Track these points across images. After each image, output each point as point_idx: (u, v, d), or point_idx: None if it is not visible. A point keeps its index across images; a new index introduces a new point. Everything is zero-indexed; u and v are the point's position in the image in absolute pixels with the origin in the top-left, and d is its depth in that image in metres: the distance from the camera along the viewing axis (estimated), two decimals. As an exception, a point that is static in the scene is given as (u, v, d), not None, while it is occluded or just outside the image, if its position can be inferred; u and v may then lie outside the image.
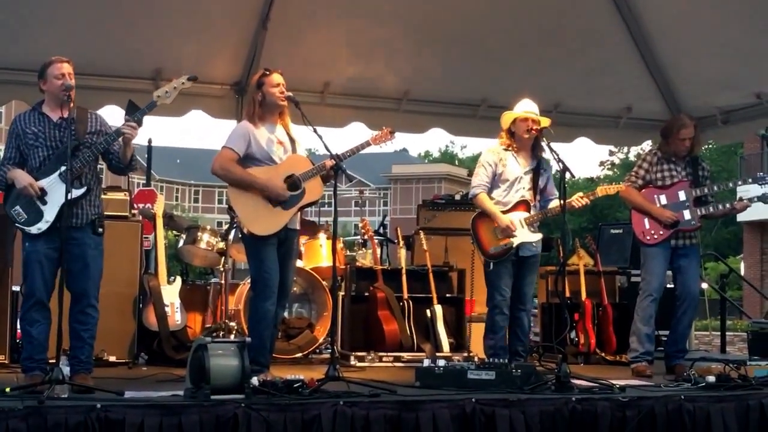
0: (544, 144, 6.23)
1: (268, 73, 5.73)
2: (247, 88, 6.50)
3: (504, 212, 6.30)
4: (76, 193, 5.12)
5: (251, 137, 5.64)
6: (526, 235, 6.30)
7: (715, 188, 6.77)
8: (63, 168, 5.08)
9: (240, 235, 6.33)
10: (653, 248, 6.62)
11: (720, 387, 5.43)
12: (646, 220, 6.65)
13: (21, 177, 5.15)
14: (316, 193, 5.75)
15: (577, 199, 6.27)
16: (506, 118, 6.44)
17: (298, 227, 5.86)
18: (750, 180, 6.76)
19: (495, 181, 6.38)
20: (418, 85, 8.48)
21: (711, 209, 6.62)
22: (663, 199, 6.66)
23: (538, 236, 6.38)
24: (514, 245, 6.26)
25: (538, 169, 6.43)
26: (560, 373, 5.28)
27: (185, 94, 7.21)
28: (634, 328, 6.65)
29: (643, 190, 6.72)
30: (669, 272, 6.83)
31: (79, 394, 4.70)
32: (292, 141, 5.81)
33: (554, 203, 6.37)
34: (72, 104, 5.18)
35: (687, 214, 6.59)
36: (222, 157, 5.63)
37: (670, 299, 6.75)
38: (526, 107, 6.39)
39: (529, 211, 6.34)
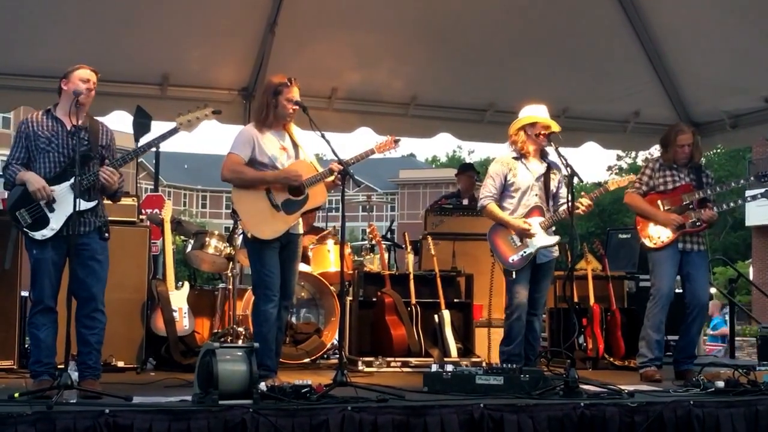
0: (551, 149, 6.23)
1: (289, 84, 5.69)
2: (259, 88, 6.46)
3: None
4: (86, 205, 5.12)
5: (255, 142, 5.65)
6: (543, 239, 6.30)
7: (718, 189, 6.76)
8: (74, 179, 5.07)
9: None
10: (660, 252, 6.61)
11: (729, 392, 5.42)
12: (650, 225, 6.65)
13: (34, 179, 5.11)
14: (319, 199, 5.78)
15: (580, 202, 6.23)
16: (517, 125, 6.40)
17: (300, 231, 5.88)
18: (752, 179, 6.72)
19: (507, 190, 6.39)
20: (425, 90, 8.49)
21: (715, 209, 6.62)
22: (667, 204, 6.66)
23: (556, 239, 6.37)
24: (534, 251, 6.27)
25: (548, 173, 6.43)
26: (569, 378, 5.28)
27: (193, 100, 7.25)
28: (644, 334, 6.62)
29: (647, 197, 6.72)
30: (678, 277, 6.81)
31: (87, 400, 4.71)
32: (296, 146, 5.82)
33: (564, 207, 6.34)
34: (85, 114, 5.20)
35: (692, 216, 6.59)
36: (230, 162, 5.64)
37: (680, 305, 6.73)
38: (543, 114, 6.36)
39: (543, 216, 6.34)
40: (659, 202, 6.67)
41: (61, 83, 5.31)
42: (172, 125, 5.49)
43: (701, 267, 6.69)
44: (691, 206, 6.60)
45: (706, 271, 6.88)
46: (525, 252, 6.28)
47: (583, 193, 6.36)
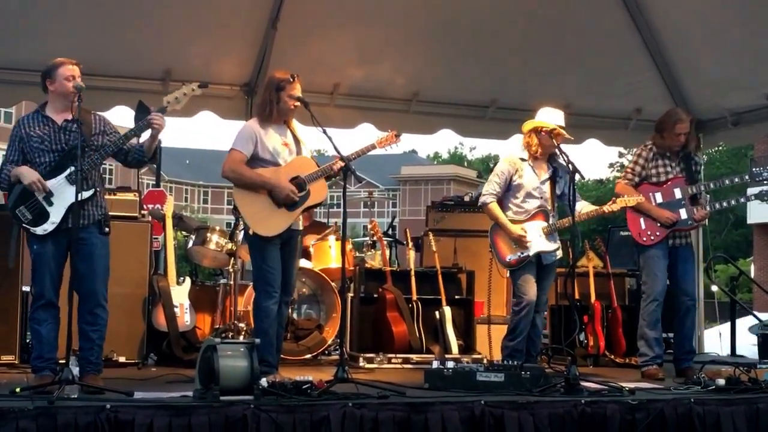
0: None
1: (292, 80, 5.68)
2: (261, 83, 6.44)
3: (523, 221, 6.31)
4: (84, 195, 5.11)
5: (257, 138, 5.66)
6: (543, 245, 6.30)
7: (711, 185, 6.74)
8: (71, 169, 5.07)
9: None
10: (652, 249, 6.57)
11: (730, 390, 5.41)
12: (642, 220, 6.59)
13: (27, 173, 5.11)
14: (321, 195, 5.80)
15: (610, 205, 6.31)
16: (533, 125, 6.36)
17: (301, 227, 5.89)
18: (747, 177, 6.68)
19: (511, 190, 6.37)
20: (427, 87, 8.48)
21: (708, 208, 6.62)
22: (659, 197, 6.60)
23: (556, 245, 6.39)
24: (531, 254, 6.27)
25: (554, 176, 6.43)
26: (569, 376, 5.27)
27: (194, 95, 7.27)
28: (641, 333, 6.60)
29: (639, 188, 6.66)
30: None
31: (88, 395, 4.71)
32: (298, 142, 5.83)
33: (579, 205, 6.34)
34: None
35: (684, 213, 6.54)
36: (231, 160, 5.64)
37: (671, 301, 6.70)
38: (559, 120, 6.33)
39: (547, 220, 6.33)
40: (651, 194, 6.61)
41: (45, 83, 5.28)
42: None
43: (688, 260, 6.68)
44: (683, 203, 6.57)
45: (693, 263, 6.88)
46: (522, 254, 6.28)
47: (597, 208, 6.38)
